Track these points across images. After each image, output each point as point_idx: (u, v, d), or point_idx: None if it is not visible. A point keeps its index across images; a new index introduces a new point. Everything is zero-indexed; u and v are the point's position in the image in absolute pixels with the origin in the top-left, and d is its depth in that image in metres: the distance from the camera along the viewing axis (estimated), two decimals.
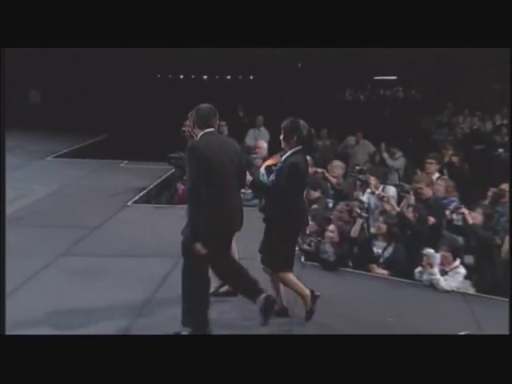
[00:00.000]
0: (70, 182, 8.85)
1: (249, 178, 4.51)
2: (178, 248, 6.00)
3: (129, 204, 7.83)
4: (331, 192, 6.96)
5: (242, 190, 5.60)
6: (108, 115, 13.96)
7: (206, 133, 4.28)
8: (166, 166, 10.01)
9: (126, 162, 10.39)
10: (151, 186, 8.79)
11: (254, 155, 8.62)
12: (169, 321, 4.41)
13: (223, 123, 11.17)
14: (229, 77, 23.27)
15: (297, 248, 5.84)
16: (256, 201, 7.57)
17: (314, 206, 6.22)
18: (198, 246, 4.11)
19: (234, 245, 4.61)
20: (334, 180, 6.96)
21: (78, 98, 15.99)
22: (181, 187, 7.95)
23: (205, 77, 22.27)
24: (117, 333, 4.35)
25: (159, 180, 9.16)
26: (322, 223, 5.78)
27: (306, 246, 5.63)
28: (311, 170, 7.26)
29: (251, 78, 23.22)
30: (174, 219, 7.09)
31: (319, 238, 5.63)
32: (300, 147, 4.49)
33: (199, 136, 4.31)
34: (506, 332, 3.62)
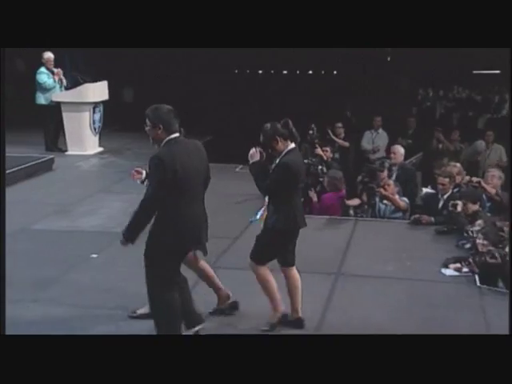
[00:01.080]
0: None
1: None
2: (328, 263, 5.93)
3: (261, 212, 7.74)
4: (487, 204, 6.64)
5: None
6: (210, 116, 13.99)
7: (173, 139, 4.08)
8: None
9: (240, 166, 10.34)
10: None
11: (387, 160, 8.36)
12: None
13: (340, 125, 11.00)
14: (310, 72, 22.95)
15: (466, 269, 5.59)
16: (399, 214, 7.35)
17: (479, 222, 5.92)
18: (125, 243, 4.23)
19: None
20: (492, 191, 6.64)
21: (171, 97, 16.10)
22: (314, 196, 7.83)
23: (284, 72, 22.04)
24: None
25: None
26: (497, 243, 5.48)
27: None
28: (463, 179, 6.98)
29: (335, 73, 22.80)
30: (317, 231, 7.00)
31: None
32: (293, 146, 4.51)
33: (165, 142, 4.07)
34: None
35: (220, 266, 5.96)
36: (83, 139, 10.50)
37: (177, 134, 4.12)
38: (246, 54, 15.70)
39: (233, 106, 14.72)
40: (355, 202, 7.74)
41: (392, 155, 8.29)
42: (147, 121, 4.13)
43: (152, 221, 4.13)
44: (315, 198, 7.78)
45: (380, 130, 10.96)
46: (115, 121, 12.72)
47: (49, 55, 10.43)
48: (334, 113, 12.72)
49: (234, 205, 8.10)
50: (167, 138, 4.07)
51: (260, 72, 19.24)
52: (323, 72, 21.71)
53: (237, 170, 10.22)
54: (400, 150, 8.26)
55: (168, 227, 4.07)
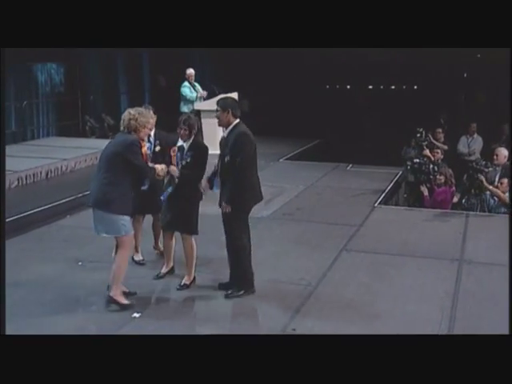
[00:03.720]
0: (312, 182, 8.73)
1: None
2: (453, 250, 5.58)
3: (376, 205, 7.50)
4: None
5: None
6: (316, 124, 13.79)
7: (240, 122, 4.41)
8: (390, 170, 9.62)
9: (350, 165, 10.11)
10: (388, 189, 8.36)
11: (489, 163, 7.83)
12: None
13: (439, 130, 10.53)
14: (393, 87, 22.19)
15: None
16: (503, 209, 6.87)
17: None
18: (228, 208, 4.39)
19: None
20: None
21: (278, 107, 16.08)
22: (426, 190, 7.49)
23: (370, 87, 21.40)
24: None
25: (392, 183, 8.71)
26: None
27: None
28: None
29: (415, 87, 21.95)
30: (432, 223, 6.69)
31: None
32: (238, 120, 4.43)
33: (236, 124, 4.37)
34: None
35: (351, 249, 5.82)
36: (217, 140, 10.56)
37: (239, 120, 4.41)
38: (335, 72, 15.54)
39: (335, 116, 14.46)
40: (454, 198, 7.38)
41: (495, 157, 7.77)
42: (218, 107, 4.42)
43: (230, 184, 4.36)
44: (426, 193, 7.45)
45: (475, 135, 10.39)
46: None
47: (190, 71, 10.64)
48: (430, 120, 12.22)
49: (351, 197, 7.89)
50: (235, 122, 4.38)
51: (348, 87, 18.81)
52: (404, 87, 21.04)
53: (348, 168, 9.99)
54: (504, 152, 7.73)
55: (247, 190, 4.39)
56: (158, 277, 4.88)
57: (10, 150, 8.92)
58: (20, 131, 10.06)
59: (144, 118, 4.29)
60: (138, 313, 4.24)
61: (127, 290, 4.51)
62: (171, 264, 4.95)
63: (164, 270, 4.94)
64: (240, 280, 4.56)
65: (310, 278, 4.99)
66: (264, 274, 5.06)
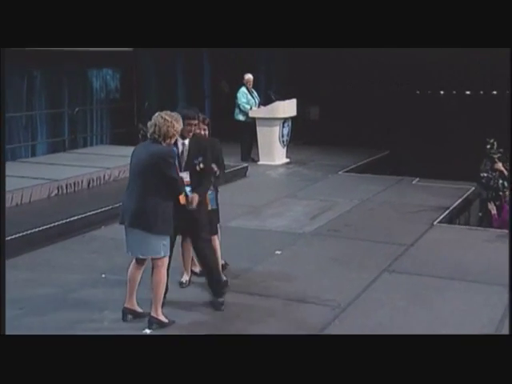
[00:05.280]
0: (369, 196, 8.55)
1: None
2: (505, 276, 5.27)
3: (435, 223, 7.22)
4: None
5: None
6: (387, 132, 13.49)
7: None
8: (462, 186, 9.22)
9: (417, 179, 9.80)
10: (453, 206, 8.03)
11: None
12: None
13: None
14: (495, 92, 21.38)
15: None
16: None
17: None
18: None
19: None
20: None
21: (350, 116, 15.88)
22: (494, 208, 7.12)
23: (454, 92, 20.66)
24: None
25: (460, 200, 8.35)
26: None
27: None
28: None
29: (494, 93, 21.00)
30: (494, 243, 6.36)
31: None
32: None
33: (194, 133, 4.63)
34: None
35: (394, 270, 5.64)
36: (273, 151, 10.66)
37: None
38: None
39: (415, 124, 14.03)
40: None
41: None
42: (197, 121, 4.63)
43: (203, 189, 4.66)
44: (494, 211, 7.08)
45: None
46: (302, 136, 12.84)
47: (249, 76, 10.74)
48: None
49: (408, 214, 7.65)
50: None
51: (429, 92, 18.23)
52: (507, 92, 20.14)
53: (413, 182, 9.69)
54: None
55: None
56: (184, 286, 5.10)
57: (56, 158, 9.54)
58: (71, 139, 10.57)
59: (179, 124, 4.21)
60: (149, 329, 4.35)
61: (141, 311, 4.45)
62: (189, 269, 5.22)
63: (186, 277, 5.15)
64: (218, 285, 4.80)
65: (341, 299, 4.88)
66: (291, 292, 5.04)
